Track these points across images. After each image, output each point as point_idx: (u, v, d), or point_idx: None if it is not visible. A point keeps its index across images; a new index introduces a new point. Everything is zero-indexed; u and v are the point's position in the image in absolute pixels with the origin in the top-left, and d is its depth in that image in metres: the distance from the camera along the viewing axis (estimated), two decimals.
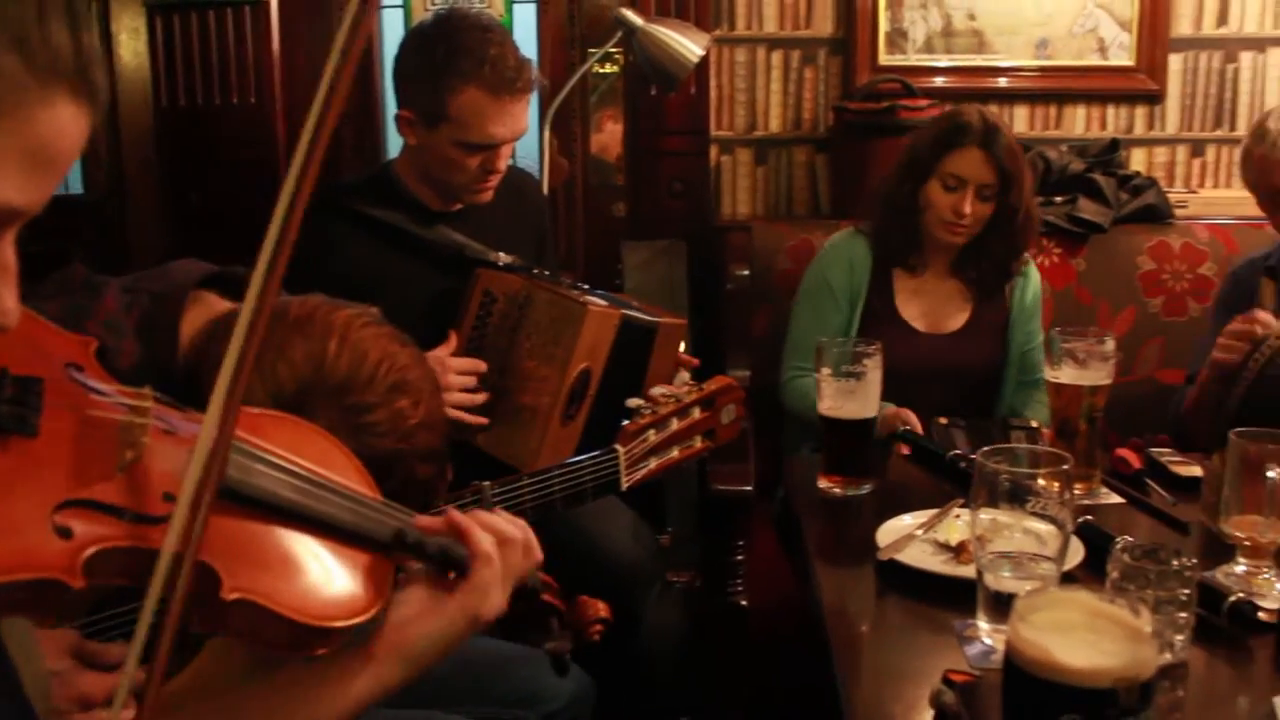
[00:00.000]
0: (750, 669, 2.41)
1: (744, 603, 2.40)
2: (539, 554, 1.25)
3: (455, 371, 2.14)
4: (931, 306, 2.63)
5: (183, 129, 3.22)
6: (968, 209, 2.45)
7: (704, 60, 3.04)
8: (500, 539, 1.17)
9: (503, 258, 2.26)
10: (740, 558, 2.41)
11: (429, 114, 2.19)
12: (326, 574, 1.03)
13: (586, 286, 2.30)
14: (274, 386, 1.18)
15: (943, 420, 2.21)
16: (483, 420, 2.17)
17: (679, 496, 3.08)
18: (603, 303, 2.21)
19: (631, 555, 2.29)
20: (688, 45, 2.91)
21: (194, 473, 0.86)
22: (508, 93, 2.16)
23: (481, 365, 2.18)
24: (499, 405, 2.21)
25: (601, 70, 3.41)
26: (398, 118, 2.26)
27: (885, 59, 3.31)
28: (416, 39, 2.26)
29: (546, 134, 3.10)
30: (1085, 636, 0.91)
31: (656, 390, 1.94)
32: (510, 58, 2.17)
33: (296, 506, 1.03)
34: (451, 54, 2.15)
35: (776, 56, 3.34)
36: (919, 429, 2.25)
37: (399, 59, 2.27)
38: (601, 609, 1.38)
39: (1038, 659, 0.89)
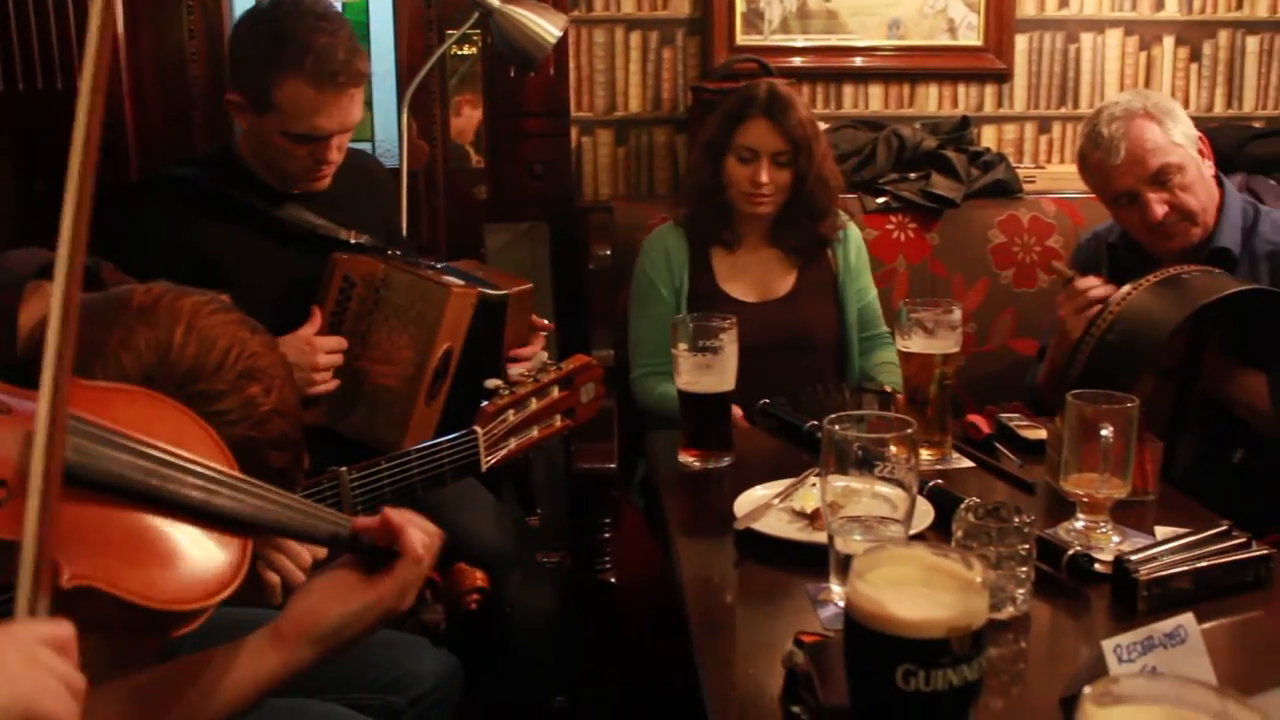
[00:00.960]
0: (620, 644, 2.43)
1: (612, 580, 2.42)
2: (440, 541, 1.30)
3: (325, 351, 2.11)
4: (756, 278, 2.67)
5: (26, 114, 3.10)
6: (764, 177, 2.52)
7: (562, 41, 3.04)
8: (429, 542, 1.22)
9: (355, 237, 2.24)
10: (607, 535, 2.42)
11: (256, 100, 2.13)
12: (176, 555, 1.01)
13: (436, 264, 2.28)
14: (118, 376, 1.15)
15: (781, 399, 2.24)
16: (340, 396, 2.15)
17: (548, 478, 3.08)
18: (461, 282, 2.20)
19: (494, 538, 2.28)
20: (545, 26, 2.90)
21: (33, 464, 0.84)
22: (331, 86, 2.10)
23: (344, 342, 2.16)
24: (361, 389, 2.18)
25: (460, 52, 3.39)
26: (227, 100, 2.20)
27: (742, 39, 3.34)
28: (249, 22, 2.19)
29: (405, 117, 3.06)
30: (919, 590, 0.94)
31: (515, 370, 1.94)
32: (339, 50, 2.11)
33: (142, 487, 1.00)
34: (278, 41, 2.09)
35: (635, 37, 3.35)
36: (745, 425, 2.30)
37: (231, 40, 2.22)
38: (479, 578, 1.38)
39: (874, 613, 0.92)
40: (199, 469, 1.05)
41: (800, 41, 3.38)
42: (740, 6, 3.33)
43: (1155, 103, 2.34)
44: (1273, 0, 3.54)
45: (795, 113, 2.54)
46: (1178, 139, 2.31)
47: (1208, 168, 2.36)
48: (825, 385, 2.31)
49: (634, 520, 2.60)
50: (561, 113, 3.31)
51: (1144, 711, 0.75)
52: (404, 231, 2.74)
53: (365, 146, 3.64)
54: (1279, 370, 2.19)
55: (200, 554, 1.03)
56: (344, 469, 1.67)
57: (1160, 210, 2.28)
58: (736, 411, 2.31)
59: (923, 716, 0.92)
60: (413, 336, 2.16)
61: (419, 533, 1.24)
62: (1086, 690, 0.73)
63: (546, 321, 2.40)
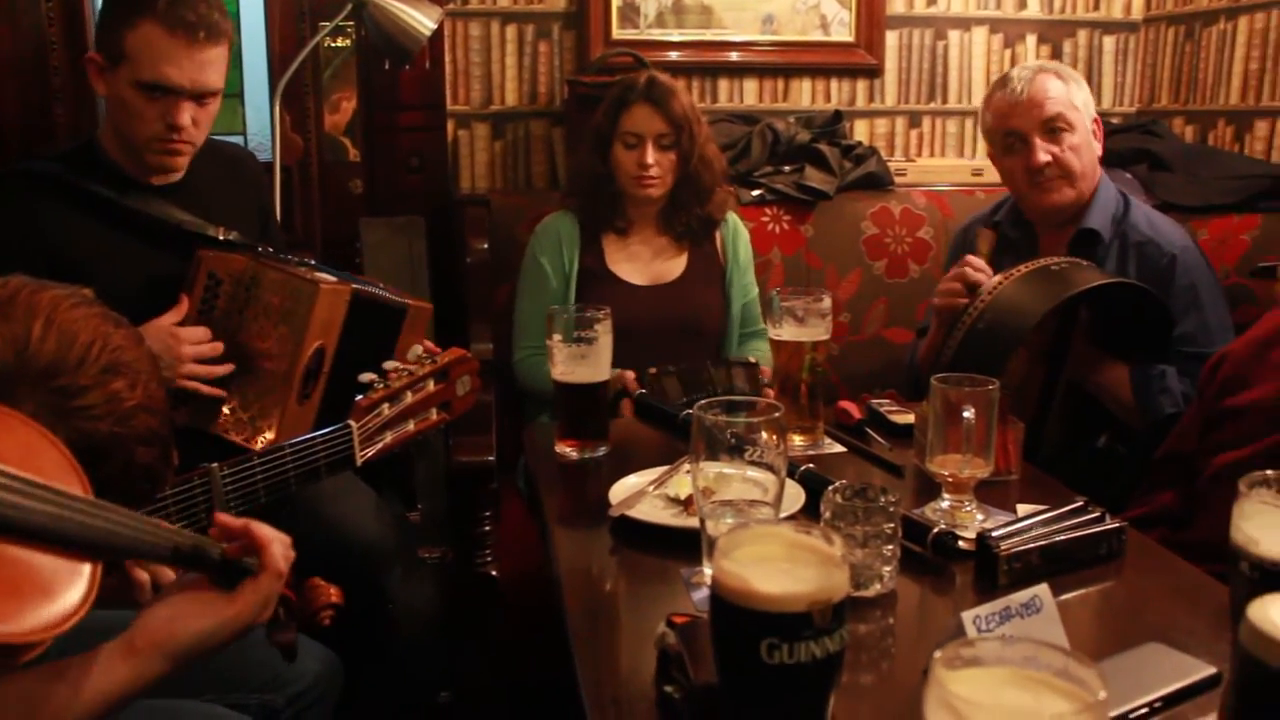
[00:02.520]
0: (504, 637, 2.42)
1: (494, 573, 2.41)
2: (293, 553, 1.30)
3: (190, 343, 2.07)
4: (647, 262, 2.73)
5: None
6: (649, 159, 2.59)
7: (438, 34, 3.02)
8: (289, 555, 1.22)
9: (224, 233, 2.19)
10: (488, 529, 2.42)
11: (110, 54, 2.09)
12: (21, 584, 0.98)
13: (313, 263, 2.25)
14: None
15: (653, 370, 2.27)
16: (219, 392, 2.11)
17: (428, 474, 3.07)
18: (333, 278, 2.17)
19: (374, 534, 2.26)
20: (419, 19, 2.88)
21: None
22: (185, 32, 2.06)
23: (219, 347, 2.12)
24: (231, 388, 2.14)
25: (334, 44, 3.34)
26: (87, 60, 2.15)
27: (618, 33, 3.36)
28: None
29: (278, 109, 3.01)
30: (782, 566, 0.96)
31: (389, 364, 1.92)
32: (199, 2, 2.09)
33: None
34: None
35: (511, 30, 3.34)
36: (634, 387, 2.33)
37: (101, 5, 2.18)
38: (333, 594, 1.36)
39: (738, 589, 0.93)
40: (47, 494, 1.02)
41: (676, 36, 3.41)
42: (616, 1, 3.35)
43: (1067, 70, 2.49)
44: (1127, 2, 3.67)
45: (676, 98, 2.62)
46: (1078, 103, 2.43)
47: (1096, 147, 2.47)
48: (698, 362, 2.34)
49: (515, 513, 2.60)
50: (438, 106, 3.29)
51: (992, 673, 0.77)
52: (278, 226, 2.70)
53: (237, 140, 3.56)
54: (1141, 362, 2.29)
55: (47, 582, 1.00)
56: (215, 465, 1.64)
57: (1043, 157, 2.39)
58: (629, 376, 2.34)
59: (787, 688, 0.94)
60: (283, 335, 2.13)
61: (281, 546, 1.24)
62: (937, 654, 0.76)
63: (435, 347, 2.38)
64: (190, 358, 2.07)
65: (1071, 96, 2.43)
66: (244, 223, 2.30)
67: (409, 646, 2.57)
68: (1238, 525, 1.02)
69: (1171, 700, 1.15)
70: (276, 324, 2.13)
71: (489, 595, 2.42)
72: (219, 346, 2.12)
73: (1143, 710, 1.13)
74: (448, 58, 3.30)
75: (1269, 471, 1.05)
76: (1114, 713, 1.12)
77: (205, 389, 2.09)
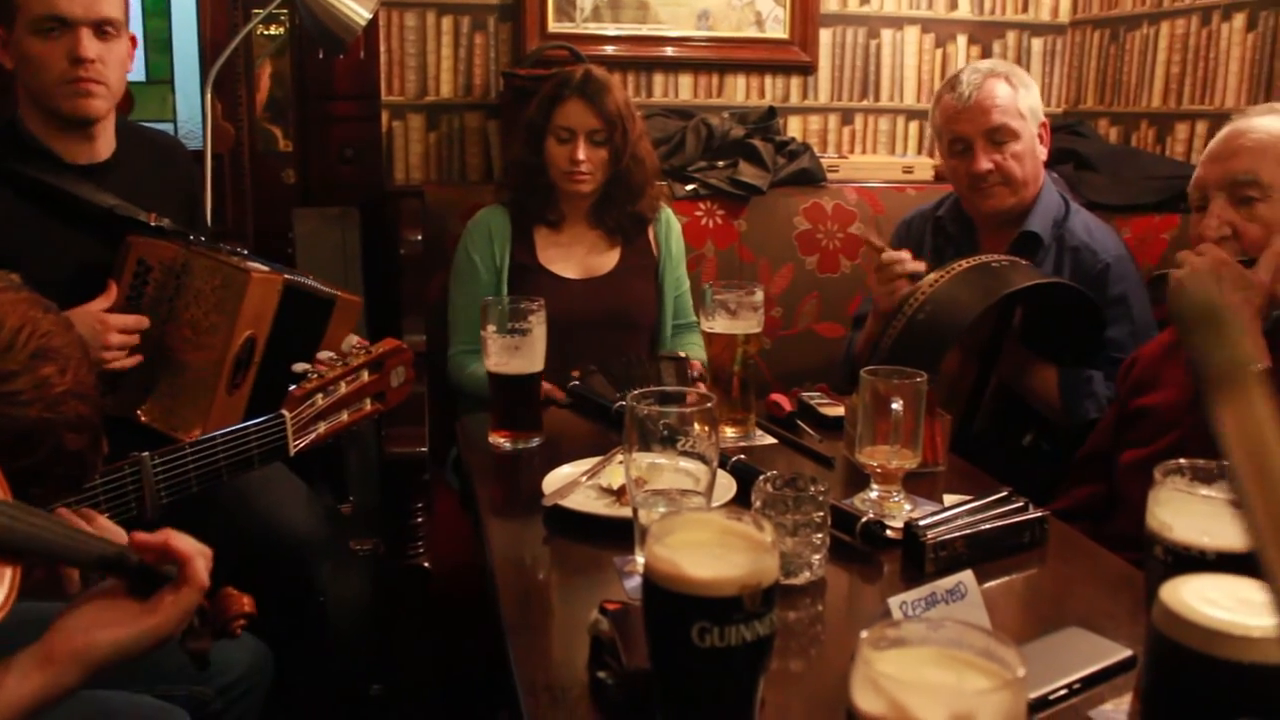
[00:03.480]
0: (436, 630, 2.42)
1: (426, 565, 2.41)
2: (210, 565, 1.28)
3: (117, 330, 2.05)
4: (579, 257, 2.74)
5: None
6: (581, 155, 2.60)
7: (372, 24, 3.00)
8: (209, 566, 1.20)
9: (155, 219, 2.17)
10: (420, 520, 2.41)
11: (4, 16, 2.08)
12: None
13: (245, 252, 2.23)
14: None
15: (576, 373, 2.27)
16: (133, 361, 2.09)
17: (360, 466, 3.05)
18: (265, 268, 2.16)
19: (305, 525, 2.25)
20: (354, 8, 2.86)
21: None
22: None
23: (145, 321, 2.09)
24: (160, 376, 2.12)
25: (267, 32, 3.30)
26: None
27: (554, 26, 3.36)
28: None
29: (209, 97, 2.98)
30: (714, 551, 0.98)
31: (324, 355, 1.91)
32: None
33: None
34: None
35: (447, 22, 3.33)
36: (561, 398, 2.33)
37: None
38: (246, 603, 1.35)
39: (670, 574, 0.95)
40: None
41: (612, 30, 3.42)
42: None
43: (1018, 73, 2.51)
44: (1054, 4, 3.74)
45: (611, 94, 2.62)
46: (1024, 110, 2.46)
47: (1041, 152, 2.51)
48: (629, 357, 2.35)
49: (447, 505, 2.60)
50: (372, 96, 3.27)
51: (916, 652, 0.79)
52: (208, 216, 2.67)
53: (167, 127, 3.51)
54: (1070, 364, 2.34)
55: None
56: (146, 454, 1.63)
57: (985, 165, 2.43)
58: (547, 385, 2.35)
59: (718, 671, 0.96)
60: (213, 324, 2.11)
61: (203, 561, 1.23)
62: (864, 634, 0.78)
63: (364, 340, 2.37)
64: (118, 345, 2.05)
65: (1019, 102, 2.46)
66: (171, 210, 2.27)
67: (340, 639, 2.56)
68: (1152, 512, 1.05)
69: (1090, 681, 1.19)
70: (207, 313, 2.11)
71: (421, 587, 2.42)
72: (144, 321, 2.09)
73: (1062, 691, 1.17)
74: (382, 48, 3.29)
75: (1182, 460, 1.08)
76: (1035, 694, 1.15)
77: (127, 362, 2.07)
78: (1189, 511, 1.04)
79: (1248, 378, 0.42)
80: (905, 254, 2.29)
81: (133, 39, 2.24)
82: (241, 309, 2.10)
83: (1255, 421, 0.41)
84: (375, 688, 2.65)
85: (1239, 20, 3.07)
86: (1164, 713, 0.88)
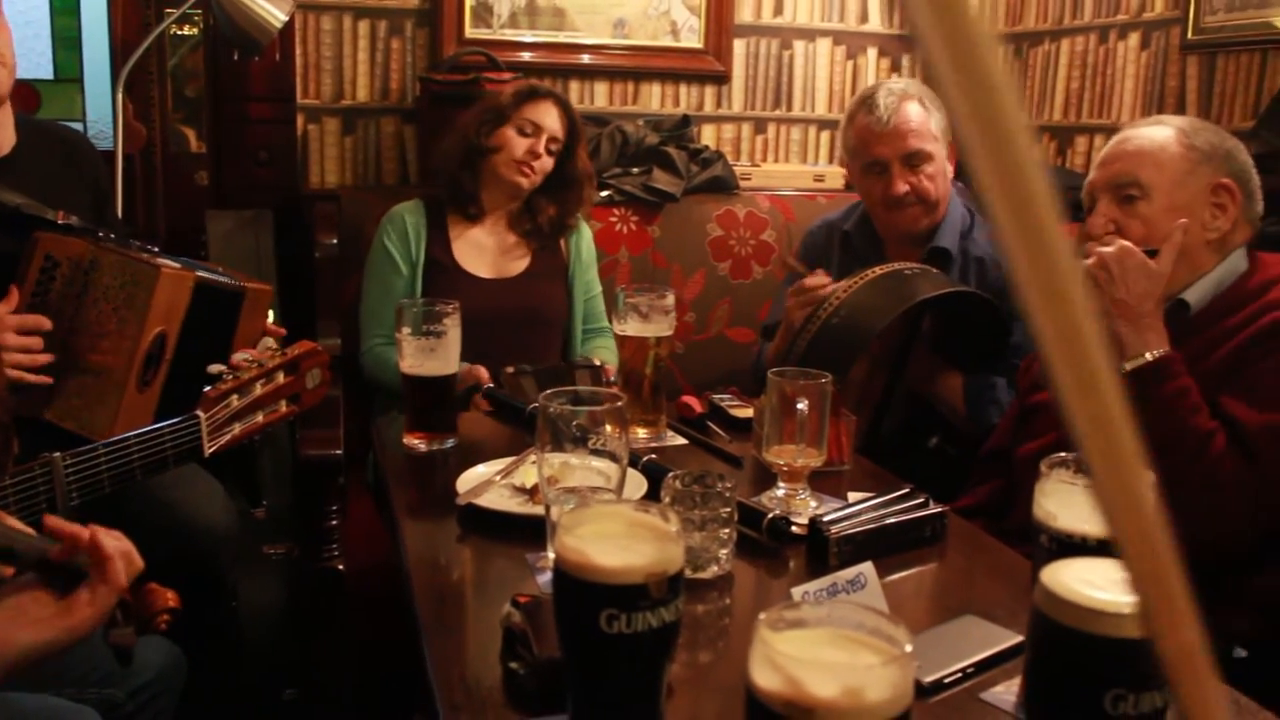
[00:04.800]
0: (352, 633, 2.42)
1: (341, 567, 2.41)
2: (140, 562, 1.28)
3: (14, 329, 2.02)
4: (493, 256, 2.77)
5: None
6: (540, 150, 2.66)
7: (288, 26, 3.00)
8: (128, 564, 1.20)
9: (63, 216, 2.15)
10: (335, 523, 2.42)
11: None
12: None
13: (155, 249, 2.22)
14: None
15: (510, 369, 2.30)
16: (47, 380, 2.06)
17: (274, 471, 3.04)
18: (176, 264, 2.15)
19: (220, 527, 2.24)
20: (270, 10, 2.86)
21: None
22: None
23: (45, 322, 2.05)
24: (68, 375, 2.10)
25: (181, 32, 3.28)
26: None
27: (471, 32, 3.38)
28: None
29: (120, 97, 2.95)
30: (621, 541, 1.01)
31: (239, 356, 1.92)
32: None
33: None
34: None
35: (364, 26, 3.34)
36: (487, 383, 2.36)
37: None
38: (170, 598, 1.36)
39: (578, 563, 0.98)
40: None
41: (529, 37, 3.45)
42: (470, 0, 3.37)
43: (930, 94, 2.57)
44: None
45: (576, 113, 2.75)
46: (937, 132, 2.53)
47: (949, 169, 2.58)
48: (558, 366, 2.39)
49: (362, 508, 2.60)
50: (287, 99, 3.26)
51: (812, 633, 0.84)
52: (119, 216, 2.65)
53: (76, 127, 3.47)
54: (976, 371, 2.42)
55: None
56: (57, 455, 1.62)
57: (902, 187, 2.50)
58: (482, 373, 2.37)
59: (626, 657, 0.99)
60: (122, 320, 2.09)
61: (123, 561, 1.23)
62: (762, 616, 0.82)
63: (279, 327, 2.37)
64: (15, 346, 2.01)
65: (932, 125, 2.53)
66: (79, 208, 2.25)
67: (253, 643, 2.55)
68: (1039, 502, 1.11)
69: (983, 666, 1.25)
70: (116, 309, 2.10)
71: (336, 590, 2.42)
72: (45, 321, 2.06)
73: (957, 675, 1.22)
74: (298, 50, 3.28)
75: (1065, 453, 1.14)
76: (931, 677, 1.20)
77: (31, 377, 2.04)
78: (1072, 501, 1.10)
79: None
80: (825, 279, 2.35)
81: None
82: (151, 305, 2.08)
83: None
84: (289, 692, 2.65)
85: (1134, 39, 3.19)
86: (1044, 687, 0.93)
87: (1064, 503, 1.10)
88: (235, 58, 3.14)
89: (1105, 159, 1.99)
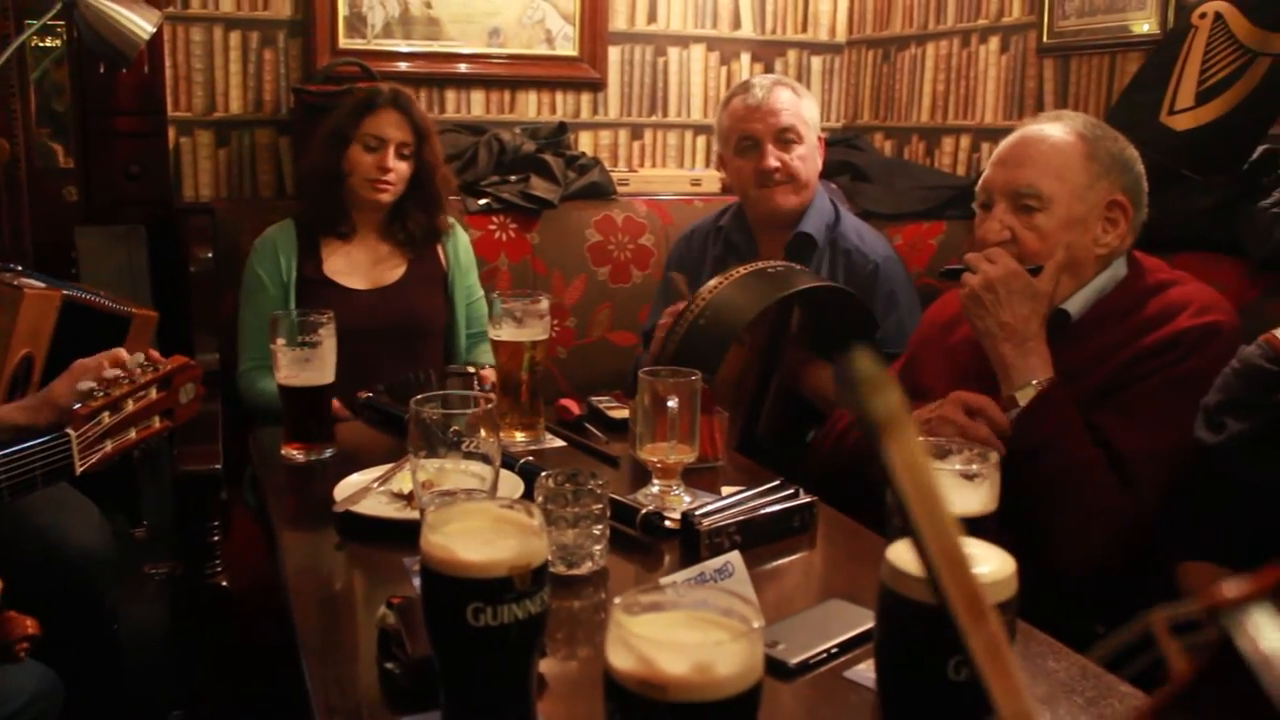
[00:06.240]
0: (238, 650, 2.40)
1: (225, 584, 2.39)
2: None
3: None
4: (366, 268, 2.77)
5: None
6: (390, 163, 2.66)
7: (157, 38, 2.96)
8: None
9: None
10: (217, 539, 2.39)
11: None
12: None
13: (21, 268, 2.18)
14: None
15: (368, 394, 2.29)
16: None
17: (153, 490, 2.99)
18: (41, 285, 2.11)
19: (94, 548, 2.20)
20: (136, 21, 2.80)
21: None
22: None
23: None
24: None
25: (44, 44, 3.21)
26: None
27: (345, 43, 3.37)
28: None
29: None
30: (486, 536, 1.03)
31: (109, 372, 1.89)
32: None
33: None
34: None
35: (235, 37, 3.30)
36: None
37: None
38: (29, 625, 1.34)
39: (444, 559, 1.00)
40: None
41: (404, 47, 3.45)
42: (343, 10, 3.36)
43: (801, 87, 2.70)
44: (832, 25, 3.94)
45: (418, 109, 2.71)
46: (807, 118, 2.66)
47: (818, 161, 2.71)
48: (417, 372, 2.39)
49: (245, 523, 2.58)
50: (158, 112, 3.21)
51: (667, 616, 0.87)
52: None
53: None
54: (844, 363, 2.48)
55: None
56: None
57: (773, 162, 2.61)
58: (335, 404, 2.36)
59: (494, 649, 1.02)
60: None
61: None
62: (617, 601, 0.85)
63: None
64: None
65: (803, 111, 2.66)
66: None
67: (138, 666, 2.51)
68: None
69: (847, 645, 1.30)
70: None
71: (220, 606, 2.39)
72: None
73: (822, 655, 1.27)
74: (168, 62, 3.23)
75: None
76: (798, 658, 1.25)
77: None
78: None
79: (904, 421, 0.55)
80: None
81: None
82: (15, 326, 2.04)
83: (912, 454, 0.53)
84: (174, 715, 2.61)
85: (994, 43, 3.30)
86: (892, 658, 0.98)
87: None
88: (102, 70, 3.08)
89: (1005, 159, 1.97)
